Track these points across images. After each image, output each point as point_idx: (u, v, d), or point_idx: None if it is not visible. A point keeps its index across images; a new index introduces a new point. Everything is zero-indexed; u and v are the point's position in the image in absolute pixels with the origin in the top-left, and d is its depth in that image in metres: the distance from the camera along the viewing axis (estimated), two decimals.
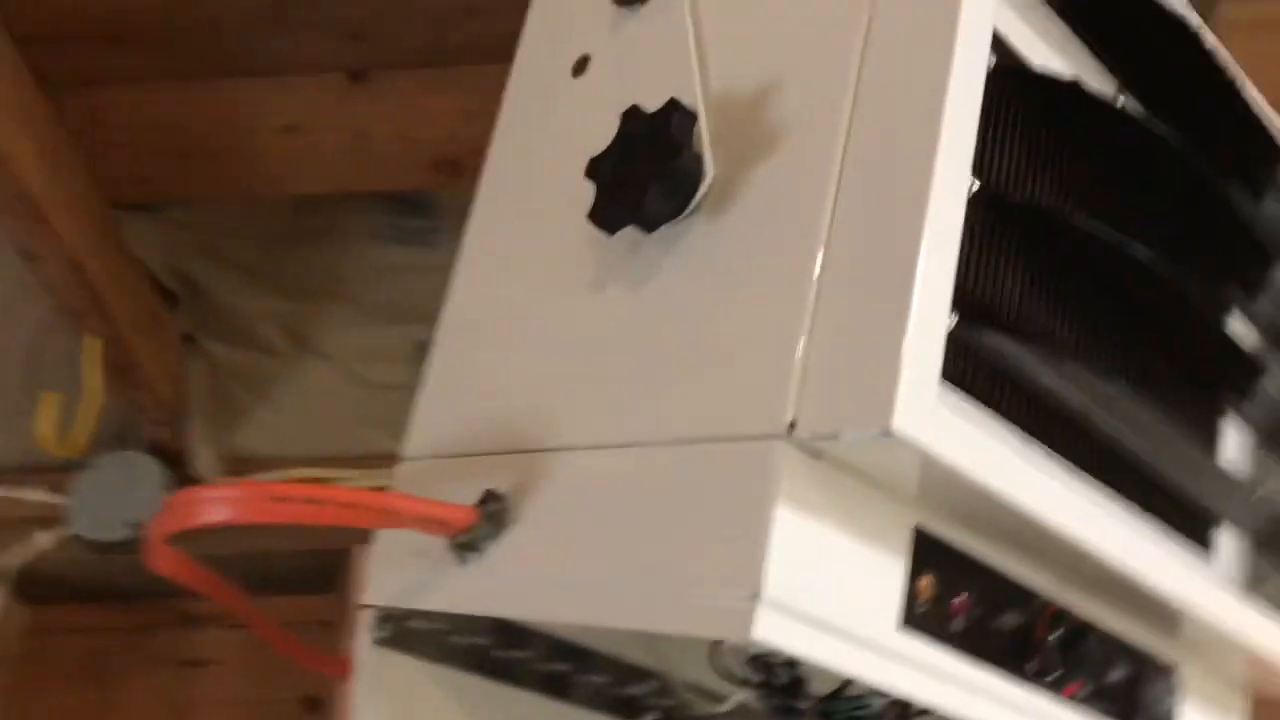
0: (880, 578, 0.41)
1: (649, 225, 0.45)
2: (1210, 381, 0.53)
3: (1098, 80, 0.51)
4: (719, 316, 0.43)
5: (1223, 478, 0.53)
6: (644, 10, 0.54)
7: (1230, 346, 0.51)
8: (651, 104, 0.48)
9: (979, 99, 0.41)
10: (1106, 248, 0.44)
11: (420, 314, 1.33)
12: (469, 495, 0.48)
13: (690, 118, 0.46)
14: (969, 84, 0.41)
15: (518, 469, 0.48)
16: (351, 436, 1.35)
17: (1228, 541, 0.58)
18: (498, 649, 0.56)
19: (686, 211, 0.45)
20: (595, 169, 0.48)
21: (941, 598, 0.43)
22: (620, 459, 0.44)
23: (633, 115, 0.47)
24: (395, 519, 0.46)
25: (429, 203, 1.25)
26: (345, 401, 1.34)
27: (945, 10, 0.41)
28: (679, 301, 0.45)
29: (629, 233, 0.46)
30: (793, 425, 0.38)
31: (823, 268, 0.40)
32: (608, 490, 0.44)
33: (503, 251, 0.56)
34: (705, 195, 0.45)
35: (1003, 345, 0.42)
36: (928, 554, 0.43)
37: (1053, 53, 0.49)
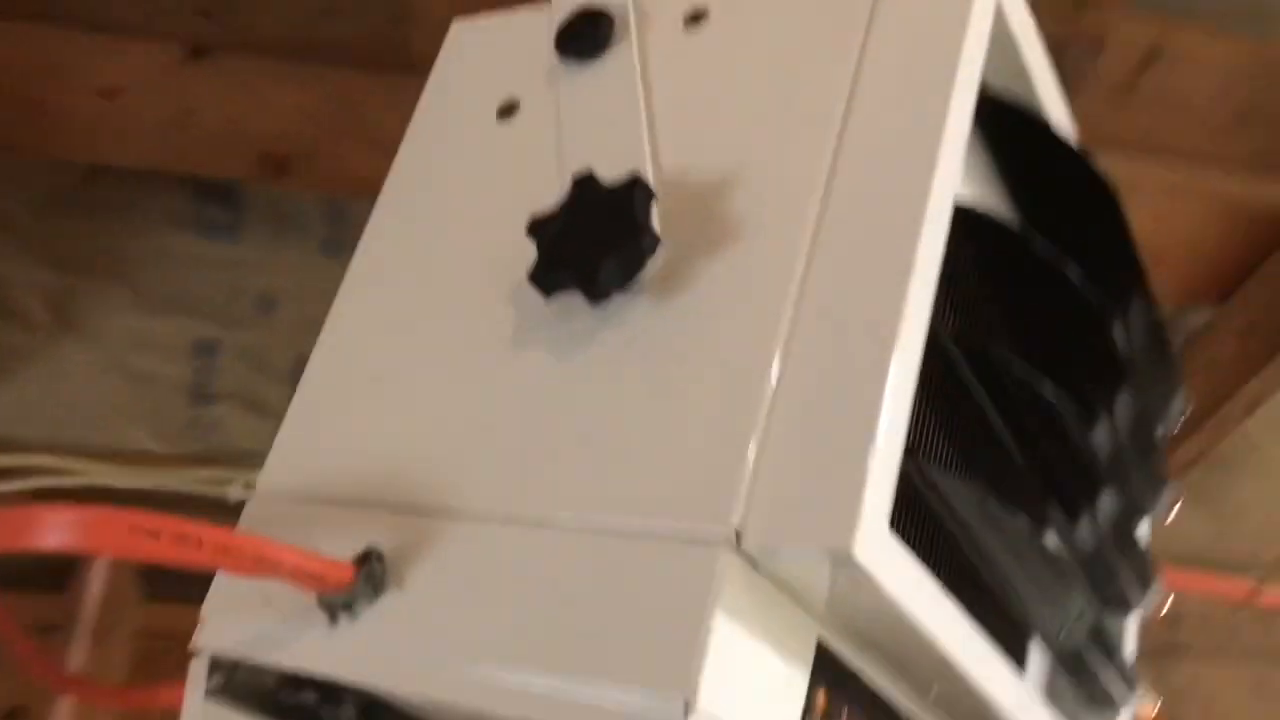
0: (787, 688, 0.41)
1: (597, 297, 0.44)
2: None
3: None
4: (663, 405, 0.42)
5: (1057, 597, 0.56)
6: (592, 67, 0.53)
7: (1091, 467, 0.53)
8: (599, 168, 0.47)
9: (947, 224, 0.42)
10: (1022, 386, 0.46)
11: (205, 310, 1.25)
12: (339, 549, 0.44)
13: (650, 195, 0.44)
14: (942, 210, 0.42)
15: (403, 529, 0.45)
16: (105, 428, 1.24)
17: (1036, 657, 0.61)
18: (327, 712, 0.52)
19: (633, 287, 0.44)
20: (540, 229, 0.46)
21: (832, 713, 0.43)
22: (533, 538, 0.42)
23: (587, 182, 0.46)
24: (272, 568, 0.42)
25: (239, 196, 1.17)
26: (104, 390, 1.23)
27: (926, 132, 0.43)
28: (618, 380, 0.43)
29: (563, 298, 0.45)
30: (739, 534, 0.38)
31: (779, 374, 0.40)
32: (514, 569, 0.41)
33: (401, 281, 0.53)
34: (653, 273, 0.44)
35: (934, 479, 0.42)
36: (824, 667, 0.43)
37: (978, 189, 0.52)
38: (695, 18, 0.52)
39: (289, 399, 0.52)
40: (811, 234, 0.43)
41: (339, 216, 1.21)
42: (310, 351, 0.53)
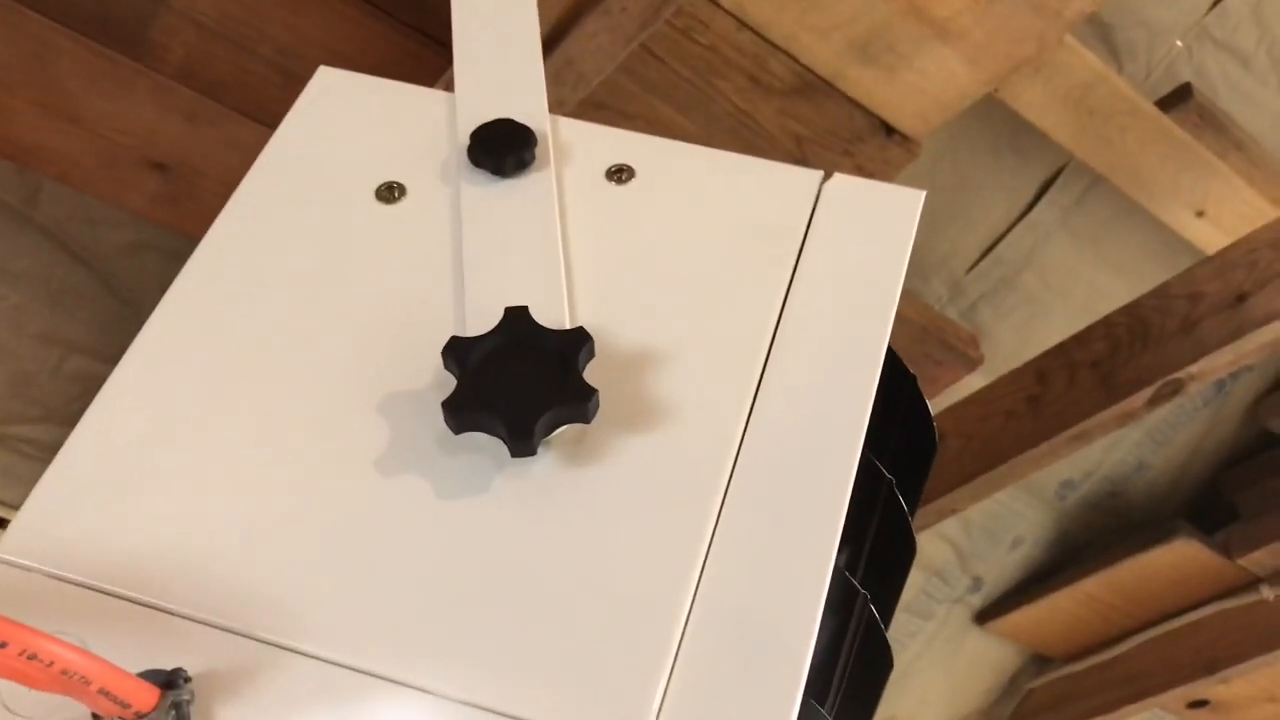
0: None
1: (523, 453, 0.40)
2: None
3: None
4: (570, 590, 0.39)
5: None
6: (506, 184, 0.50)
7: None
8: (507, 297, 0.44)
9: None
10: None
11: None
12: (126, 660, 0.37)
13: (592, 352, 0.42)
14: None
15: (217, 651, 0.38)
16: None
17: None
18: None
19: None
20: (459, 353, 0.42)
21: None
22: (391, 696, 0.37)
23: (520, 316, 0.43)
24: (78, 686, 0.33)
25: None
26: None
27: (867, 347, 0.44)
28: (516, 543, 0.40)
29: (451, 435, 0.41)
30: None
31: (701, 587, 0.39)
32: None
33: (225, 345, 0.45)
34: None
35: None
36: None
37: None
38: (619, 172, 0.51)
39: None
40: (743, 429, 0.42)
41: None
42: None
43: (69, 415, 1.14)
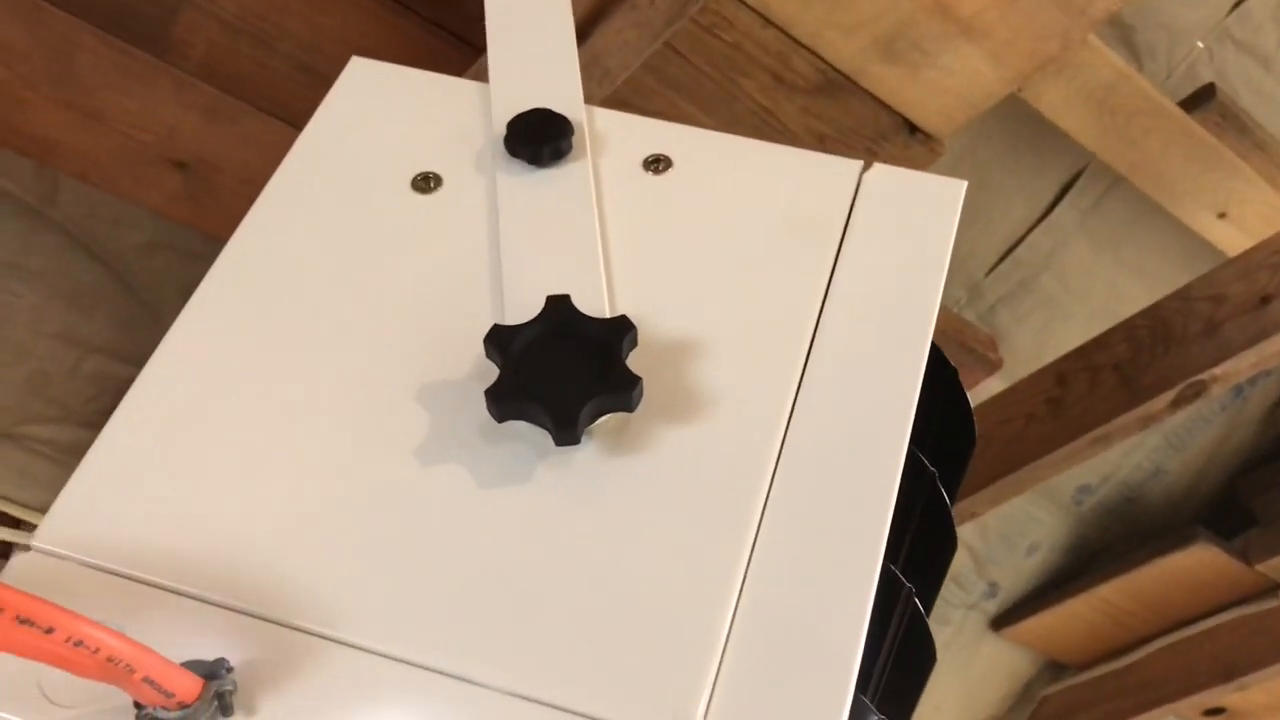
0: None
1: (568, 442, 0.40)
2: None
3: None
4: (617, 581, 0.38)
5: None
6: (543, 174, 0.49)
7: None
8: (546, 286, 0.44)
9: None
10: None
11: None
12: (169, 648, 0.36)
13: (635, 342, 0.42)
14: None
15: (259, 641, 0.37)
16: None
17: None
18: None
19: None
20: (502, 341, 0.41)
21: None
22: (436, 687, 0.36)
23: (562, 305, 0.42)
24: (123, 675, 0.33)
25: None
26: None
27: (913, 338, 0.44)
28: (562, 535, 0.39)
29: (493, 424, 0.41)
30: None
31: (748, 578, 0.38)
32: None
33: (266, 331, 0.45)
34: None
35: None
36: None
37: None
38: (656, 162, 0.50)
39: None
40: (787, 420, 0.42)
41: None
42: None
43: (87, 415, 1.14)
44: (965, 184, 0.49)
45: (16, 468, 1.15)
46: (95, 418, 1.14)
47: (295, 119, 0.94)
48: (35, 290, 1.12)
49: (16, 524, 1.14)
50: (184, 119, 0.96)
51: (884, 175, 0.50)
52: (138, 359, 1.17)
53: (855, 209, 0.49)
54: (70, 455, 1.15)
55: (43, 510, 1.14)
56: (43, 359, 1.13)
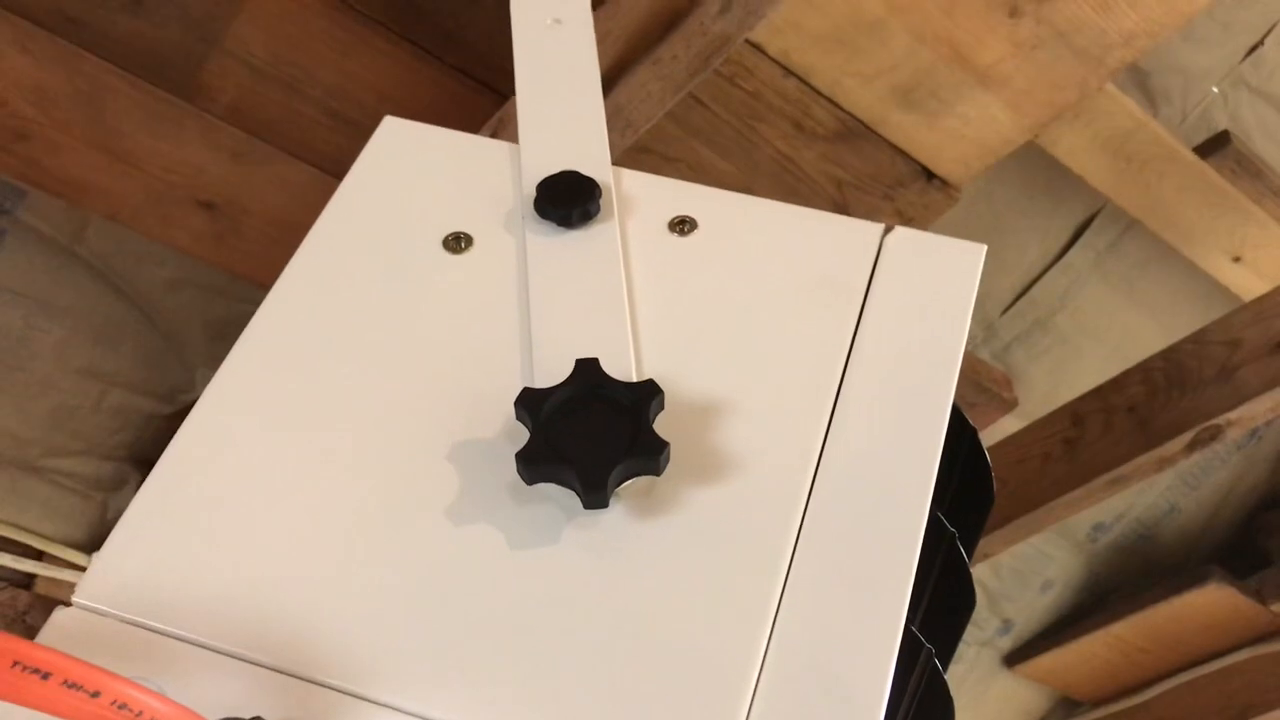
0: None
1: (596, 505, 0.41)
2: None
3: None
4: (649, 646, 0.39)
5: None
6: (571, 235, 0.50)
7: None
8: (574, 349, 0.45)
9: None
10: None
11: None
12: (192, 701, 0.37)
13: (662, 404, 0.43)
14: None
15: (297, 700, 0.38)
16: None
17: None
18: None
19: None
20: (532, 404, 0.42)
21: None
22: None
23: (591, 368, 0.43)
24: None
25: None
26: None
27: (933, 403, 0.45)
28: (593, 598, 0.40)
29: (522, 484, 0.42)
30: None
31: (773, 638, 0.39)
32: None
33: (300, 390, 0.46)
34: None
35: None
36: None
37: None
38: (681, 223, 0.51)
39: None
40: (810, 482, 0.43)
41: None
42: None
43: (109, 449, 1.15)
44: (985, 248, 0.50)
45: (40, 500, 1.16)
46: (118, 451, 1.15)
47: (321, 162, 0.96)
48: (62, 325, 1.13)
49: (39, 556, 1.16)
50: (212, 161, 0.98)
51: (906, 238, 0.51)
52: (161, 394, 1.19)
53: (877, 271, 0.50)
54: (93, 488, 1.16)
55: (65, 543, 1.15)
56: (67, 393, 1.15)
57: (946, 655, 0.50)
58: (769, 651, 0.39)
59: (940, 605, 0.49)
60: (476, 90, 0.95)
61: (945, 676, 0.47)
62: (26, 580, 1.14)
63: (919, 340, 0.47)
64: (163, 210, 1.01)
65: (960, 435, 0.51)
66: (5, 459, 1.13)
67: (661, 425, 0.43)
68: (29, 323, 1.11)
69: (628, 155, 0.86)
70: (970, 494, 0.52)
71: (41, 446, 1.15)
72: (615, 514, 0.42)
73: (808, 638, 0.39)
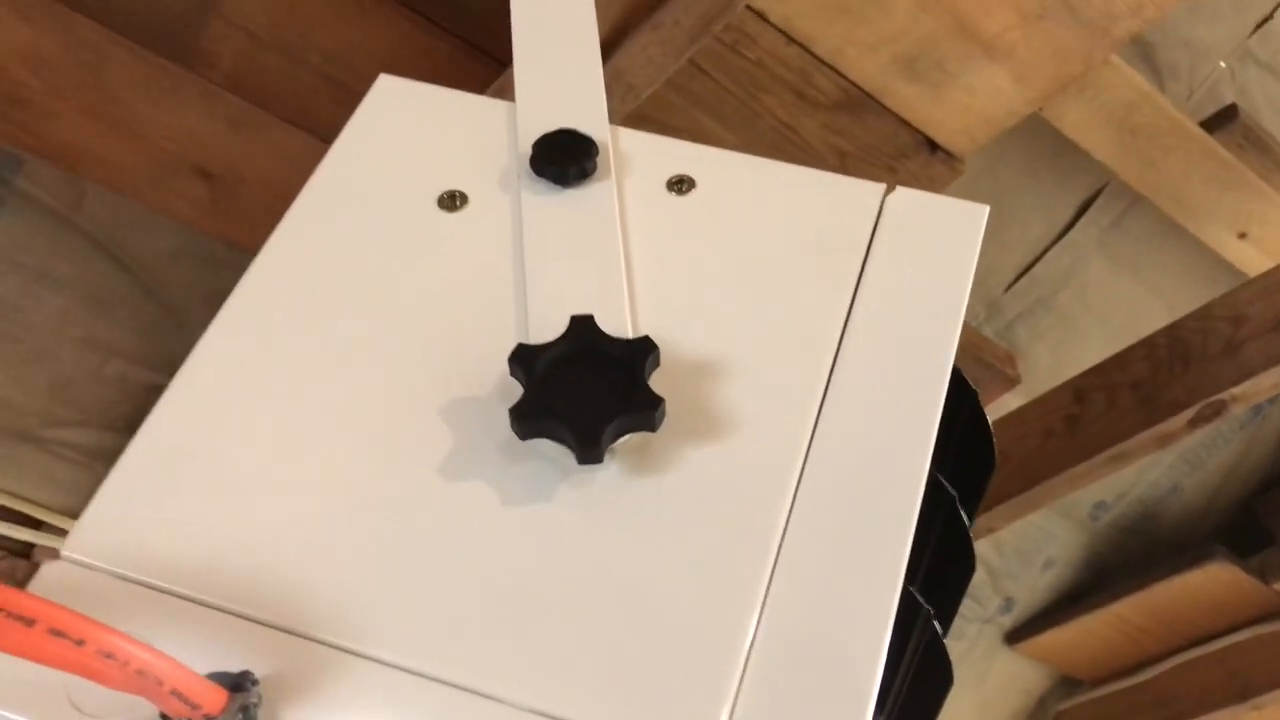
0: None
1: (591, 460, 0.40)
2: None
3: None
4: (638, 601, 0.38)
5: None
6: (568, 194, 0.50)
7: None
8: (569, 306, 0.44)
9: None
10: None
11: None
12: (193, 660, 0.37)
13: (658, 362, 0.42)
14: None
15: (283, 653, 0.38)
16: None
17: None
18: None
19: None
20: (526, 360, 0.42)
21: None
22: (459, 704, 0.37)
23: (586, 325, 0.43)
24: (151, 687, 0.33)
25: None
26: None
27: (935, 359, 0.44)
28: (582, 553, 0.39)
29: (516, 441, 0.41)
30: None
31: (769, 598, 0.39)
32: None
33: (293, 346, 0.45)
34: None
35: None
36: None
37: None
38: (679, 183, 0.51)
39: None
40: (808, 441, 0.42)
41: None
42: None
43: (109, 419, 1.15)
44: (988, 209, 0.49)
45: (39, 470, 1.16)
46: (117, 422, 1.15)
47: (320, 130, 0.95)
48: (60, 295, 1.13)
49: (38, 525, 1.16)
50: (210, 129, 0.97)
51: (907, 198, 0.50)
52: (161, 364, 1.18)
53: (878, 231, 0.49)
54: (92, 459, 1.16)
55: (64, 513, 1.15)
56: (66, 363, 1.14)
57: (946, 619, 0.50)
58: (764, 610, 0.38)
59: (940, 568, 0.49)
60: (477, 58, 0.95)
61: (944, 640, 0.46)
62: (25, 549, 1.14)
63: (920, 300, 0.47)
64: (161, 178, 1.00)
65: (961, 399, 0.51)
66: (4, 429, 1.12)
67: (658, 383, 0.42)
68: (27, 292, 1.11)
69: (627, 123, 0.85)
70: (971, 457, 0.52)
71: (40, 416, 1.14)
72: (610, 471, 0.41)
73: (804, 597, 0.39)
